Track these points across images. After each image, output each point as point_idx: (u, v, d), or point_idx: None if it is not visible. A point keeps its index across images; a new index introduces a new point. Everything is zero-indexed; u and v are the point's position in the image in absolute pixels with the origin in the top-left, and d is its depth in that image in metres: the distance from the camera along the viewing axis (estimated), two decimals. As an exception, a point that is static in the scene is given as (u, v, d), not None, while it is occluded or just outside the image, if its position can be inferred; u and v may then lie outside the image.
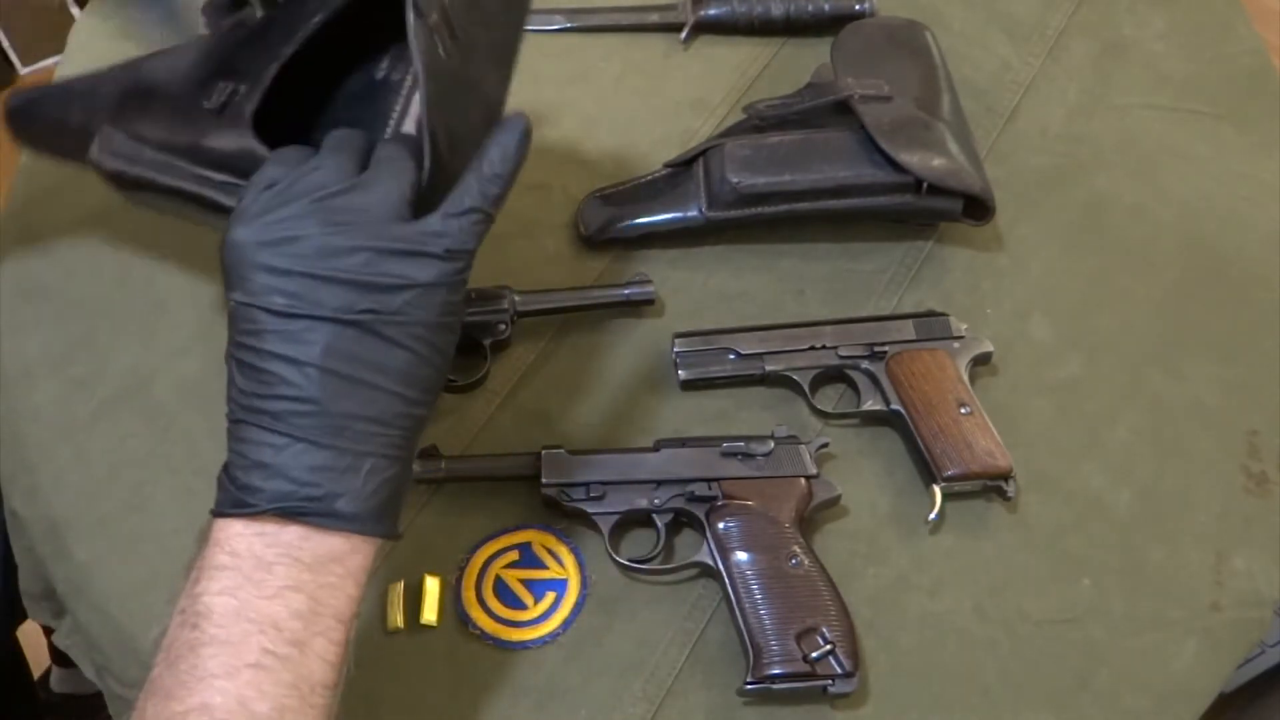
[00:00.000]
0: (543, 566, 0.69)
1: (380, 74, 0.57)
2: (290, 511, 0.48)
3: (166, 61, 0.60)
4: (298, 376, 0.48)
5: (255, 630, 0.46)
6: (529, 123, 0.53)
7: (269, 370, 0.49)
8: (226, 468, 0.50)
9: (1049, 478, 0.74)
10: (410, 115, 0.59)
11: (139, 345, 0.75)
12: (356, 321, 0.48)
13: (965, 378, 0.74)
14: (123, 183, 0.58)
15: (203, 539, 0.49)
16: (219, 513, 0.49)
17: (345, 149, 0.52)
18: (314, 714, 0.47)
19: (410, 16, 0.50)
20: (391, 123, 0.56)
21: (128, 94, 0.59)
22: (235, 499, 0.48)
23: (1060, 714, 0.66)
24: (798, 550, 0.66)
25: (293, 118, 0.58)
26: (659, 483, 0.69)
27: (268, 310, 0.48)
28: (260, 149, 0.55)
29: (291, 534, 0.48)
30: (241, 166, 0.55)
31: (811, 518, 0.70)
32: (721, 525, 0.67)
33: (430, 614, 0.66)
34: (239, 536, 0.48)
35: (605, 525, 0.68)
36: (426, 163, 0.51)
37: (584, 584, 0.68)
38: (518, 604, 0.68)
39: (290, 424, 0.48)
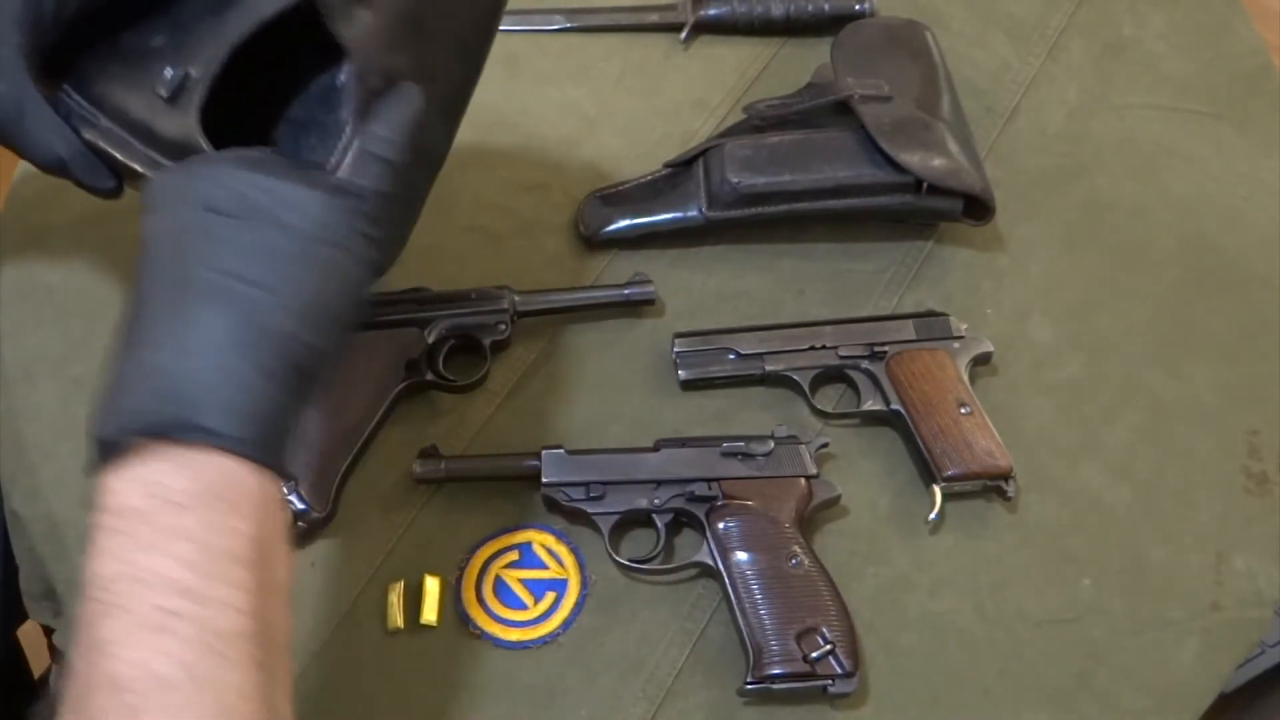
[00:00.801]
0: (543, 566, 0.69)
1: (341, 79, 0.57)
2: (158, 431, 0.43)
3: None
4: (189, 272, 0.46)
5: (143, 589, 0.43)
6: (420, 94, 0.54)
7: (154, 279, 0.47)
8: (91, 421, 0.46)
9: (1049, 478, 0.74)
10: None
11: (139, 345, 0.75)
12: (250, 218, 0.47)
13: (965, 378, 0.74)
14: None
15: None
16: (95, 469, 0.45)
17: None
18: (233, 666, 0.43)
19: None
20: (345, 134, 0.56)
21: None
22: (100, 446, 0.45)
23: (1060, 714, 0.66)
24: (798, 550, 0.66)
25: (247, 102, 0.57)
26: (659, 483, 0.69)
27: (180, 220, 0.47)
28: (204, 145, 0.54)
29: (165, 473, 0.44)
30: (178, 148, 0.54)
31: (811, 518, 0.70)
32: (721, 525, 0.67)
33: (430, 614, 0.66)
34: (114, 493, 0.44)
35: (605, 525, 0.68)
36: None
37: (584, 584, 0.68)
38: (518, 604, 0.68)
39: (172, 333, 0.45)
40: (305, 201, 0.48)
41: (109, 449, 0.44)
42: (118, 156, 0.56)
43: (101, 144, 0.56)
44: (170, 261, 0.47)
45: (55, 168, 0.56)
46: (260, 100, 0.59)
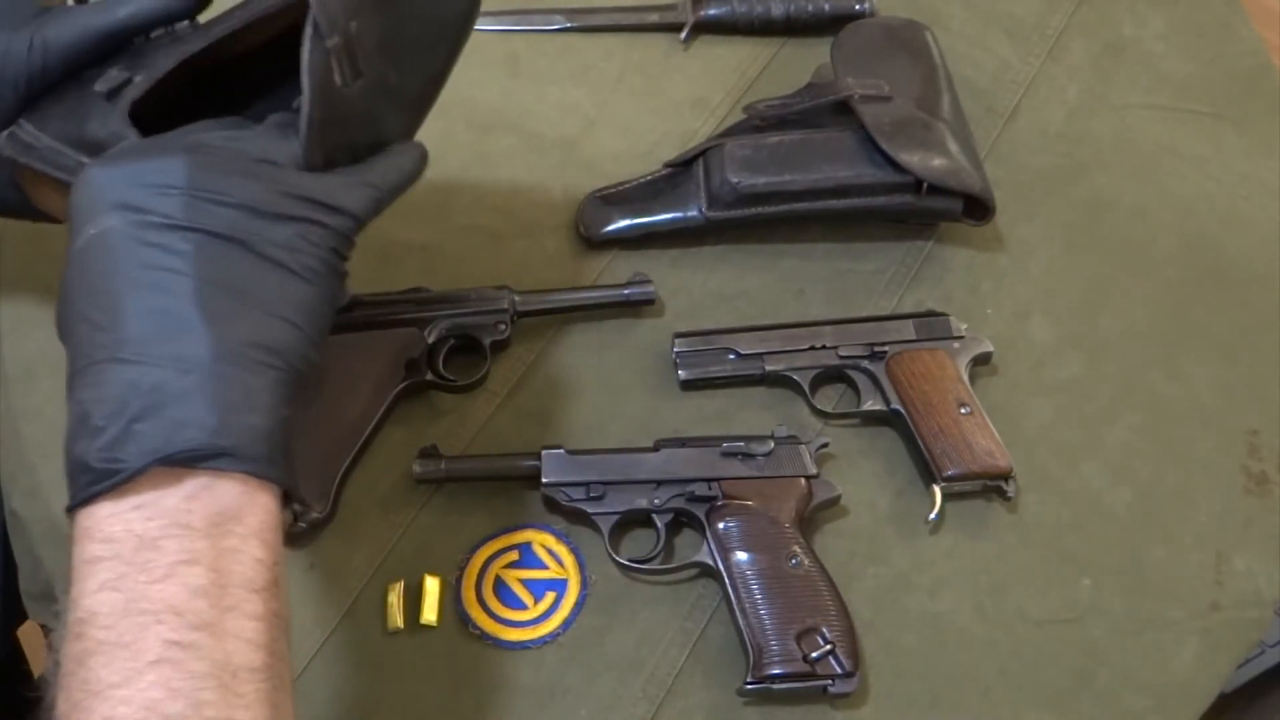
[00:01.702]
0: (543, 566, 0.69)
1: (296, 106, 0.57)
2: (177, 459, 0.40)
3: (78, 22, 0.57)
4: (175, 285, 0.42)
5: (151, 621, 0.39)
6: (425, 156, 0.56)
7: (132, 294, 0.42)
8: (71, 447, 0.42)
9: (1049, 478, 0.74)
10: None
11: (139, 345, 0.75)
12: (241, 240, 0.44)
13: (965, 378, 0.74)
14: (22, 173, 0.57)
15: (69, 543, 0.42)
16: (77, 504, 0.41)
17: (229, 122, 0.52)
18: (244, 703, 0.40)
19: (307, 31, 0.49)
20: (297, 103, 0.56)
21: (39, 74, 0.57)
22: (97, 474, 0.41)
23: (1060, 714, 0.66)
24: (798, 550, 0.66)
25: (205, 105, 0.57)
26: (659, 483, 0.69)
27: (138, 225, 0.43)
28: (131, 135, 0.53)
29: (175, 497, 0.41)
30: (109, 147, 0.53)
31: (811, 518, 0.70)
32: (721, 525, 0.67)
33: (430, 614, 0.66)
34: (111, 518, 0.41)
35: (605, 525, 0.68)
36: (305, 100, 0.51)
37: (584, 584, 0.68)
38: (518, 604, 0.68)
39: (165, 348, 0.42)
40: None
41: (107, 476, 0.41)
42: (48, 170, 0.55)
43: (33, 162, 0.55)
44: (141, 269, 0.43)
45: None
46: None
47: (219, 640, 0.40)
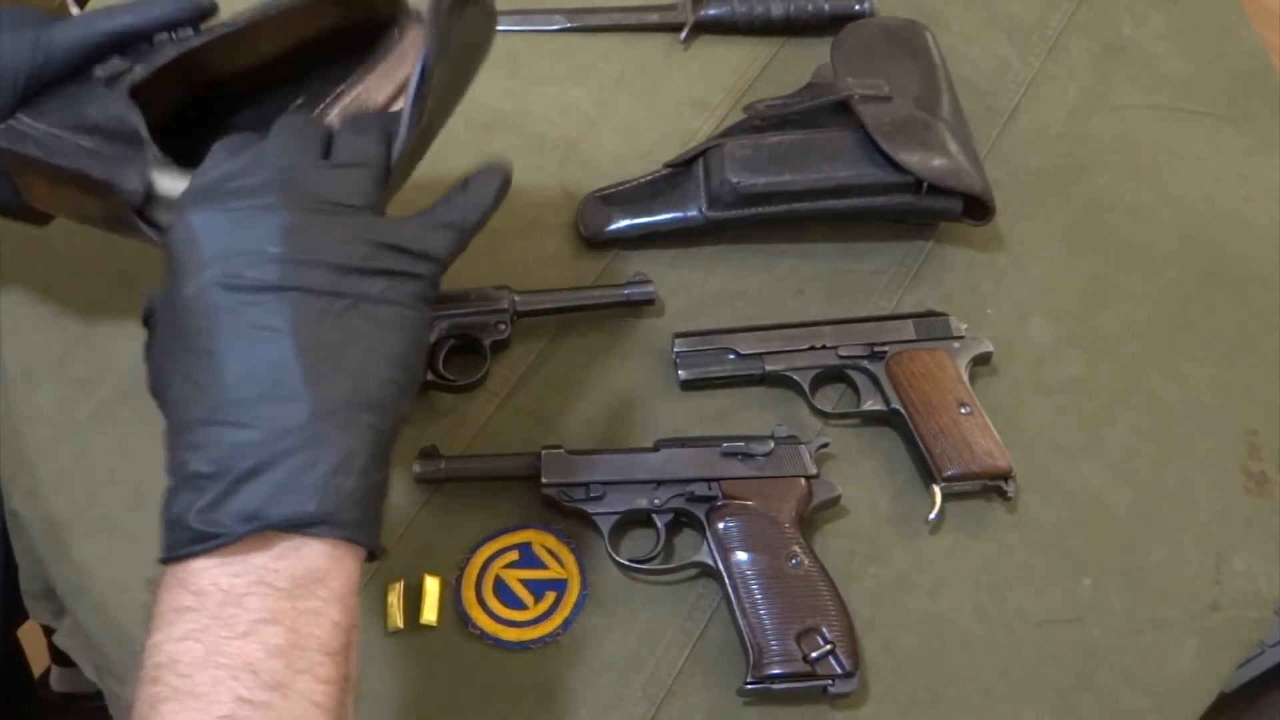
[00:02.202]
0: (543, 566, 0.69)
1: (295, 106, 0.57)
2: (275, 525, 0.41)
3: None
4: (275, 347, 0.43)
5: (227, 676, 0.40)
6: (508, 183, 0.54)
7: (233, 357, 0.43)
8: (171, 502, 0.44)
9: (1049, 478, 0.74)
10: None
11: (139, 345, 0.75)
12: (336, 294, 0.45)
13: (965, 378, 0.74)
14: (14, 164, 0.57)
15: (156, 587, 0.43)
16: (182, 554, 0.42)
17: (299, 130, 0.50)
18: None
19: (415, 78, 0.50)
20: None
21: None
22: (196, 534, 0.42)
23: (1060, 714, 0.66)
24: (798, 550, 0.66)
25: (200, 139, 0.57)
26: (659, 483, 0.69)
27: (237, 288, 0.44)
28: (134, 116, 0.54)
29: (264, 556, 0.42)
30: (110, 131, 0.54)
31: (811, 518, 0.70)
32: (721, 525, 0.67)
33: (430, 614, 0.66)
34: (202, 571, 0.42)
35: (605, 525, 0.68)
36: (398, 147, 0.51)
37: (584, 584, 0.68)
38: (518, 604, 0.68)
39: (265, 410, 0.43)
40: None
41: (206, 539, 0.42)
42: (41, 156, 0.55)
43: (28, 150, 0.55)
44: (240, 331, 0.44)
45: None
46: (204, 124, 0.59)
47: (288, 701, 0.41)
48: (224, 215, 0.46)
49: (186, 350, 0.44)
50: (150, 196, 0.55)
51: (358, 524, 0.44)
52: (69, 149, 0.55)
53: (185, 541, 0.42)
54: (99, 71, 0.55)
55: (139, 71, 0.55)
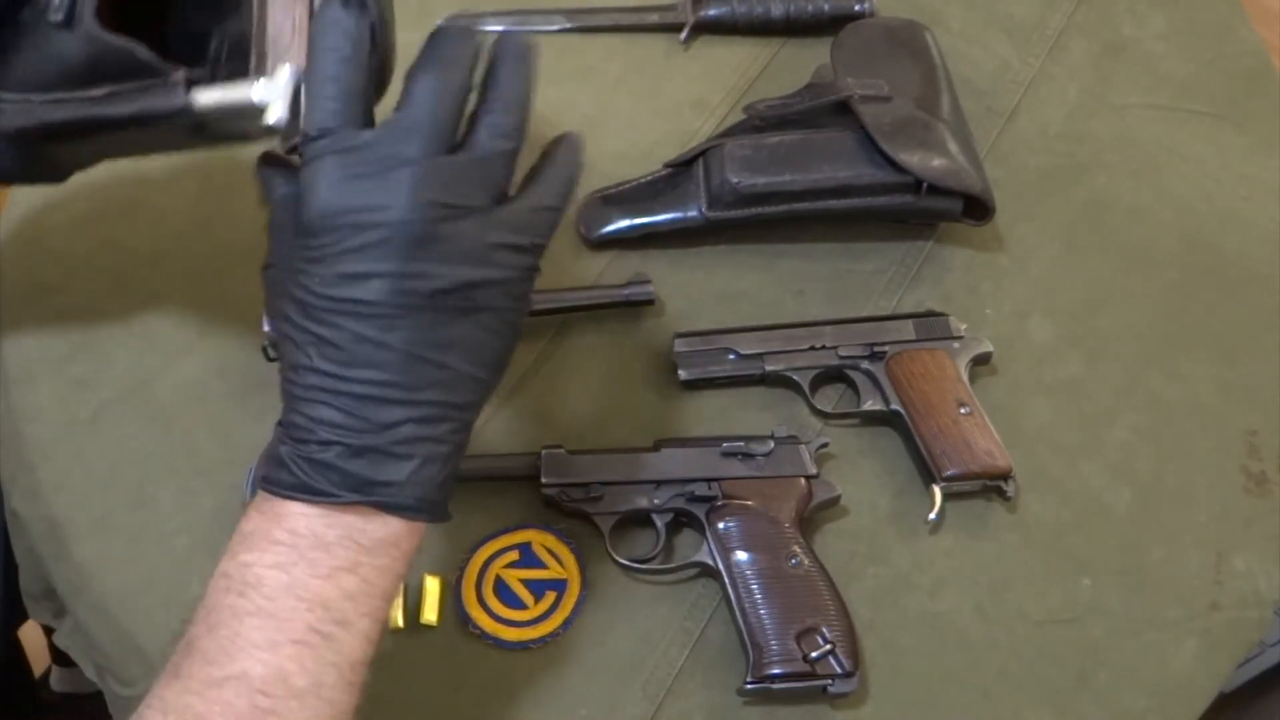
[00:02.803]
0: (543, 566, 0.69)
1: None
2: (370, 504, 0.47)
3: None
4: (383, 359, 0.46)
5: (304, 608, 0.46)
6: (583, 153, 0.54)
7: (356, 351, 0.46)
8: (282, 441, 0.48)
9: (1049, 478, 0.74)
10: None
11: (139, 345, 0.75)
12: (456, 307, 0.47)
13: (965, 378, 0.74)
14: (29, 140, 0.55)
15: (253, 507, 0.48)
16: (288, 495, 0.47)
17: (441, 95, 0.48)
18: (349, 690, 0.48)
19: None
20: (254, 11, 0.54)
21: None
22: (306, 485, 0.47)
23: (1060, 714, 0.66)
24: (798, 550, 0.66)
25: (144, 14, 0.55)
26: (659, 483, 0.69)
27: (355, 302, 0.46)
28: (115, 41, 0.51)
29: (355, 518, 0.47)
30: (109, 69, 0.52)
31: (811, 518, 0.70)
32: (721, 525, 0.67)
33: (430, 614, 0.66)
34: (301, 516, 0.47)
35: (605, 525, 0.68)
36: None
37: (584, 584, 0.68)
38: (518, 604, 0.68)
39: (369, 412, 0.47)
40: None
41: (313, 491, 0.47)
42: (57, 118, 0.53)
43: (45, 118, 0.53)
44: (355, 341, 0.47)
45: None
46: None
47: (349, 635, 0.47)
48: (349, 198, 0.46)
49: (321, 322, 0.47)
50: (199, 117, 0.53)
51: (439, 506, 0.50)
52: (73, 103, 0.53)
53: (291, 486, 0.47)
54: (53, 16, 0.51)
55: (87, 2, 0.52)
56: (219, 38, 0.55)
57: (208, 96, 0.53)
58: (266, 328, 0.55)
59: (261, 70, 0.53)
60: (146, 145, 0.60)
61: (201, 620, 0.47)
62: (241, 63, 0.53)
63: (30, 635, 0.99)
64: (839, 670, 0.64)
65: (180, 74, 0.52)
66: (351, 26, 0.47)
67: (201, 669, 0.46)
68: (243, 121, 0.52)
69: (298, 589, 0.46)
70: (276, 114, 0.50)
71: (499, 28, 0.92)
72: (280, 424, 0.49)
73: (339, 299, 0.46)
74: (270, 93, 0.50)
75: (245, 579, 0.46)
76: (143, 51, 0.52)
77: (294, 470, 0.47)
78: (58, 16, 0.51)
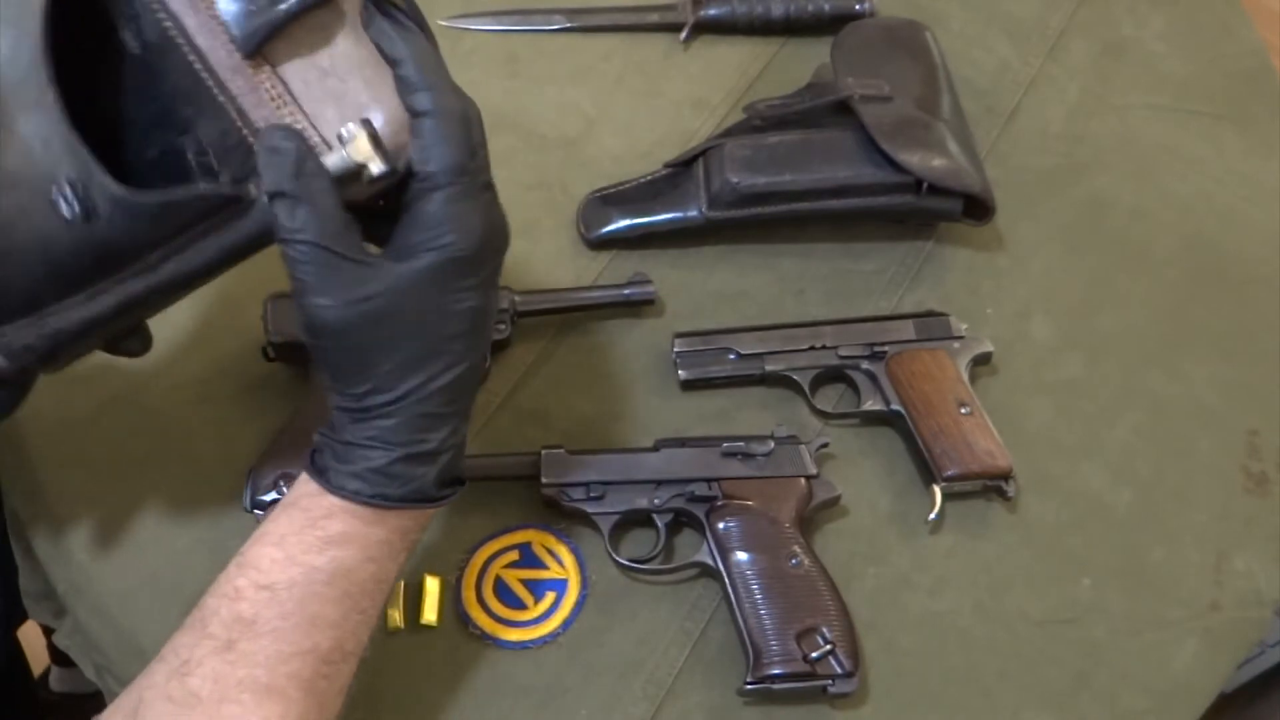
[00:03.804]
0: (543, 566, 0.69)
1: (133, 47, 0.49)
2: (403, 501, 0.53)
3: None
4: (427, 398, 0.52)
5: (379, 590, 0.54)
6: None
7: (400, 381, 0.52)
8: (405, 463, 0.52)
9: (1049, 478, 0.74)
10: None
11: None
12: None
13: (965, 378, 0.74)
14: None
15: (345, 511, 0.52)
16: (398, 505, 0.53)
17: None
18: (369, 625, 0.55)
19: None
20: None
21: None
22: (426, 494, 0.53)
23: (1060, 714, 0.66)
24: (798, 550, 0.66)
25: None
26: (659, 483, 0.69)
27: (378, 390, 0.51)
28: (179, 193, 0.49)
29: (404, 520, 0.54)
30: (170, 225, 0.49)
31: (811, 518, 0.70)
32: (721, 525, 0.67)
33: (430, 614, 0.66)
34: (395, 516, 0.53)
35: (605, 525, 0.68)
36: None
37: (584, 584, 0.68)
38: (518, 604, 0.68)
39: (413, 436, 0.52)
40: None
41: (426, 498, 0.53)
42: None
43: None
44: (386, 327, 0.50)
45: None
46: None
47: (378, 604, 0.55)
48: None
49: (344, 397, 0.52)
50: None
51: (456, 493, 0.56)
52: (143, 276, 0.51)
53: (401, 497, 0.53)
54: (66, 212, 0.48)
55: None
56: (192, 148, 0.51)
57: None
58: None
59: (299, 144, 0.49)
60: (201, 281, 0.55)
61: (269, 602, 0.51)
62: (246, 155, 0.50)
63: (30, 635, 0.99)
64: (839, 670, 0.64)
65: (251, 187, 0.50)
66: (431, 47, 0.51)
67: (270, 645, 0.50)
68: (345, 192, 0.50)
69: (381, 577, 0.54)
70: (378, 165, 0.49)
71: (500, 27, 0.92)
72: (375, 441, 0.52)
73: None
74: (359, 151, 0.49)
75: (335, 570, 0.52)
76: (204, 187, 0.50)
77: (406, 483, 0.52)
78: (72, 212, 0.48)
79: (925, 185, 0.77)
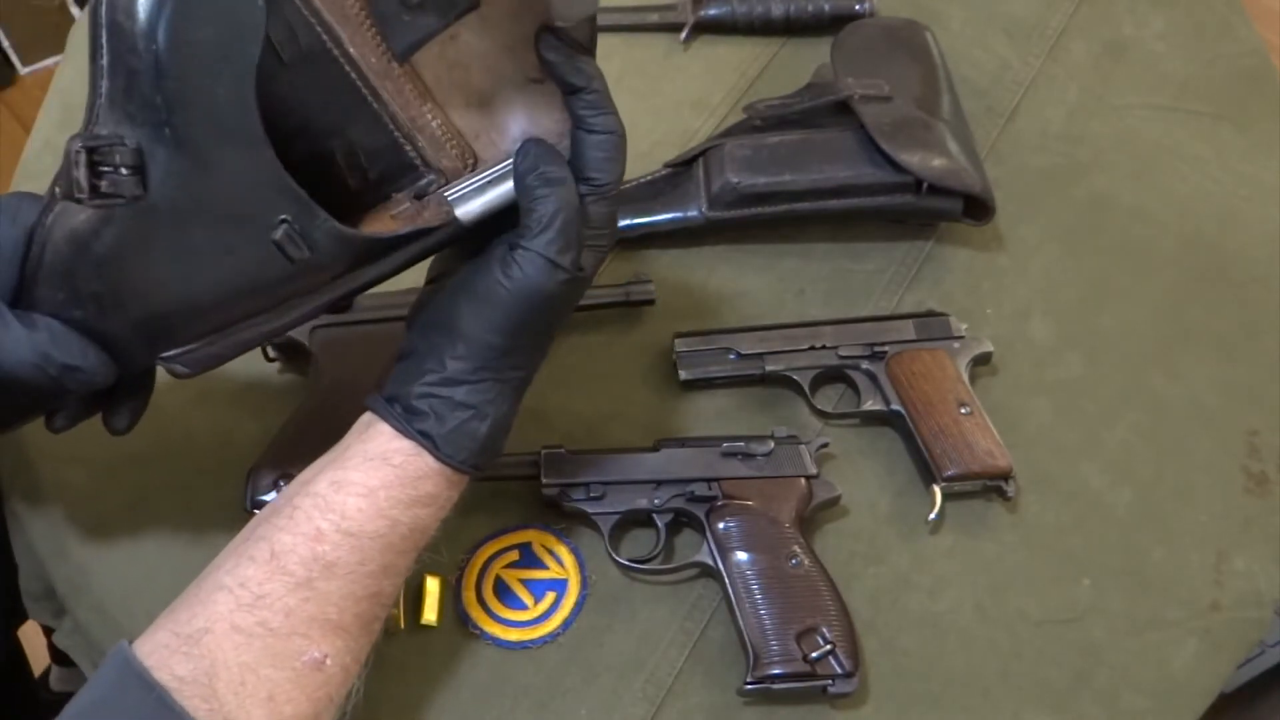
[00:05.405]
0: (543, 566, 0.69)
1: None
2: (465, 466, 0.57)
3: None
4: (497, 409, 0.58)
5: (423, 546, 0.59)
6: None
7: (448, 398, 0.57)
8: (458, 425, 0.56)
9: (1049, 478, 0.74)
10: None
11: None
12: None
13: (965, 378, 0.74)
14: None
15: (438, 475, 0.57)
16: (460, 469, 0.57)
17: None
18: (408, 562, 0.58)
19: None
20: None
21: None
22: (432, 436, 0.56)
23: (1060, 714, 0.66)
24: (798, 550, 0.66)
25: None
26: (659, 483, 0.69)
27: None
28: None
29: (452, 480, 0.58)
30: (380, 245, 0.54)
31: (811, 518, 0.70)
32: (721, 525, 0.67)
33: (430, 614, 0.66)
34: (446, 480, 0.58)
35: (605, 525, 0.68)
36: None
37: (584, 584, 0.68)
38: (518, 604, 0.68)
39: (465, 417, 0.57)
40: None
41: (457, 463, 0.57)
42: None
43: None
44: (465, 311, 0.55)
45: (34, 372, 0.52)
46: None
47: (419, 544, 0.58)
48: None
49: (424, 388, 0.56)
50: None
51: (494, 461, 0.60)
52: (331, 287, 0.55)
53: (451, 453, 0.56)
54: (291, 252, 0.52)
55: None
56: (341, 150, 0.55)
57: (471, 206, 0.55)
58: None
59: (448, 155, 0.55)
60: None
61: (353, 549, 0.54)
62: (395, 154, 0.54)
63: (30, 635, 0.99)
64: (839, 670, 0.64)
65: (454, 212, 0.55)
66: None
67: (345, 586, 0.54)
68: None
69: (433, 532, 0.59)
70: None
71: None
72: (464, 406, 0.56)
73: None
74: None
75: (414, 525, 0.57)
76: (424, 221, 0.54)
77: (493, 455, 0.58)
78: (299, 252, 0.51)
79: (925, 185, 0.77)
